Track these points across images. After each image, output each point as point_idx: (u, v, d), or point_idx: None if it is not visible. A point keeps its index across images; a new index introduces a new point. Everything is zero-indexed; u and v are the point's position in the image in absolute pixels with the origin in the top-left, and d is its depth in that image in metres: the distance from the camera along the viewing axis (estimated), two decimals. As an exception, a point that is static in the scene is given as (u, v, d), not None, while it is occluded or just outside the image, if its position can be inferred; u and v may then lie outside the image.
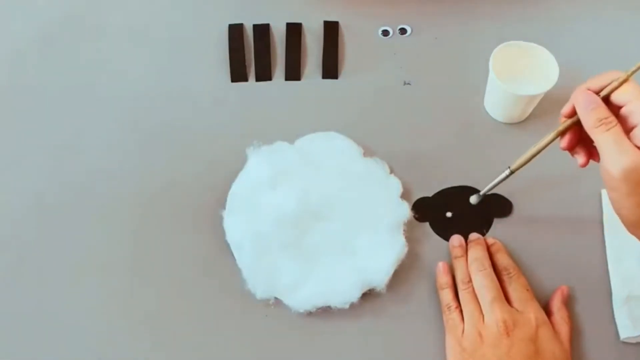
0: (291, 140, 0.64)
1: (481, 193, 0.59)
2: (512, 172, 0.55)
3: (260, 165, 0.61)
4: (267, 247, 0.57)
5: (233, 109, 0.67)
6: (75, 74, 0.70)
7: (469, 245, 0.59)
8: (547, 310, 0.55)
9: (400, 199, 0.60)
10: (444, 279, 0.57)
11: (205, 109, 0.67)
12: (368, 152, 0.63)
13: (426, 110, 0.67)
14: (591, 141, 0.49)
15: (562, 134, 0.51)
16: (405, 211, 0.60)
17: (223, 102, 0.68)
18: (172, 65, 0.70)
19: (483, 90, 0.66)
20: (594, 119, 0.46)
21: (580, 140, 0.51)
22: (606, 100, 0.47)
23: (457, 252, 0.59)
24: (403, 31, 0.72)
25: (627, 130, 0.46)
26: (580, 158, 0.52)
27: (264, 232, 0.57)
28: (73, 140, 0.66)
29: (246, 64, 0.70)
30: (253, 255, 0.57)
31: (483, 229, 0.61)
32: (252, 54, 0.71)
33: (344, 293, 0.56)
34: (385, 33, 0.71)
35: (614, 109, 0.47)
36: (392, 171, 0.63)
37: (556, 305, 0.56)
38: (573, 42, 0.70)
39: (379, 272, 0.56)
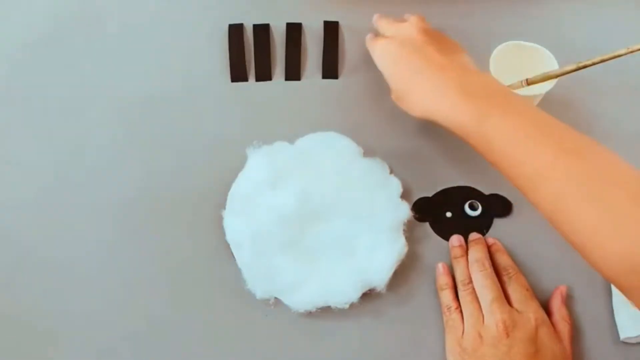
0: (291, 140, 0.63)
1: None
2: (579, 68, 0.57)
3: (260, 165, 0.61)
4: (267, 247, 0.57)
5: (233, 109, 0.67)
6: (75, 74, 0.69)
7: (469, 246, 0.59)
8: (546, 310, 0.55)
9: (400, 199, 0.60)
10: (443, 279, 0.57)
11: (205, 109, 0.67)
12: (368, 152, 0.63)
13: (426, 110, 0.67)
14: None
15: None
16: (405, 211, 0.60)
17: (223, 102, 0.68)
18: (172, 65, 0.70)
19: (483, 90, 0.66)
20: None
21: None
22: None
23: (457, 252, 0.59)
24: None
25: None
26: None
27: (264, 232, 0.57)
28: (72, 140, 0.66)
29: (246, 64, 0.70)
30: (253, 255, 0.57)
31: (483, 229, 0.61)
32: (252, 54, 0.71)
33: (344, 293, 0.56)
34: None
35: None
36: (392, 171, 0.63)
37: (556, 305, 0.56)
38: (573, 42, 0.70)
39: (379, 272, 0.56)
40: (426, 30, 0.61)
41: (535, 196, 0.48)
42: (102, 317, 0.57)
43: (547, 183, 0.47)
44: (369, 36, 0.64)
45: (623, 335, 0.55)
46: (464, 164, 0.64)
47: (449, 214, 0.62)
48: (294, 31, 0.72)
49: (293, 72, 0.70)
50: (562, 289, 0.57)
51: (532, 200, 0.49)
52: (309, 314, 0.56)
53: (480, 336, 0.52)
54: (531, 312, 0.53)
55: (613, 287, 0.57)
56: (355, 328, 0.56)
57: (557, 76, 0.59)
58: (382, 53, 0.60)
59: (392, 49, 0.59)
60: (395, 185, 0.61)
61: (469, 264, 0.57)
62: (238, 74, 0.69)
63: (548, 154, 0.47)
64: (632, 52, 0.54)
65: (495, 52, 0.62)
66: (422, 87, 0.55)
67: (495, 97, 0.52)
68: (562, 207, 0.46)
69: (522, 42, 0.62)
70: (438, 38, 0.60)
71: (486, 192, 0.62)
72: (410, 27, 0.61)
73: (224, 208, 0.60)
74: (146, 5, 0.74)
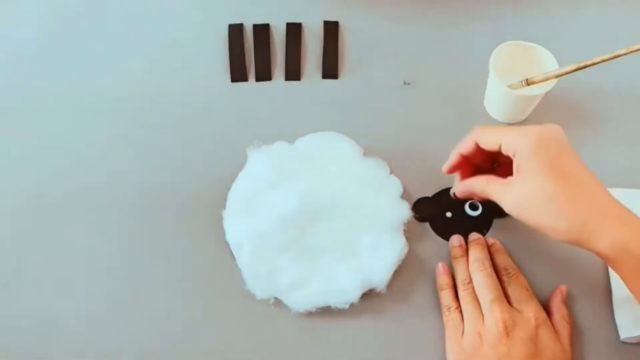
0: (291, 140, 0.63)
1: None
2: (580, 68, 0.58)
3: (260, 165, 0.61)
4: (267, 247, 0.57)
5: (233, 109, 0.67)
6: (75, 74, 0.70)
7: (469, 246, 0.59)
8: (546, 310, 0.55)
9: (400, 199, 0.60)
10: (443, 279, 0.57)
11: (205, 109, 0.67)
12: (368, 152, 0.63)
13: (426, 110, 0.67)
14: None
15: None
16: (405, 211, 0.60)
17: (223, 102, 0.68)
18: (172, 65, 0.70)
19: (483, 90, 0.66)
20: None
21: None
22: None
23: (457, 252, 0.59)
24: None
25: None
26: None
27: (264, 232, 0.57)
28: (73, 140, 0.66)
29: (246, 64, 0.70)
30: (253, 255, 0.57)
31: (483, 229, 0.61)
32: (252, 54, 0.71)
33: (344, 293, 0.56)
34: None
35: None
36: (392, 171, 0.63)
37: (555, 304, 0.56)
38: (573, 42, 0.70)
39: (379, 272, 0.56)
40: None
41: None
42: (102, 317, 0.57)
43: None
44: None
45: (623, 335, 0.55)
46: (464, 164, 0.64)
47: (449, 214, 0.62)
48: (294, 31, 0.72)
49: (293, 72, 0.70)
50: (562, 288, 0.57)
51: None
52: (309, 314, 0.56)
53: (480, 336, 0.52)
54: (531, 312, 0.53)
55: (613, 287, 0.57)
56: (355, 328, 0.56)
57: (557, 76, 0.59)
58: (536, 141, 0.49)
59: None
60: (395, 185, 0.61)
61: (469, 264, 0.57)
62: (238, 74, 0.69)
63: None
64: (632, 52, 0.55)
65: (495, 52, 0.62)
66: (582, 204, 0.48)
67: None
68: None
69: (522, 42, 0.62)
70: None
71: (486, 192, 0.62)
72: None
73: (224, 208, 0.60)
74: (146, 5, 0.74)
